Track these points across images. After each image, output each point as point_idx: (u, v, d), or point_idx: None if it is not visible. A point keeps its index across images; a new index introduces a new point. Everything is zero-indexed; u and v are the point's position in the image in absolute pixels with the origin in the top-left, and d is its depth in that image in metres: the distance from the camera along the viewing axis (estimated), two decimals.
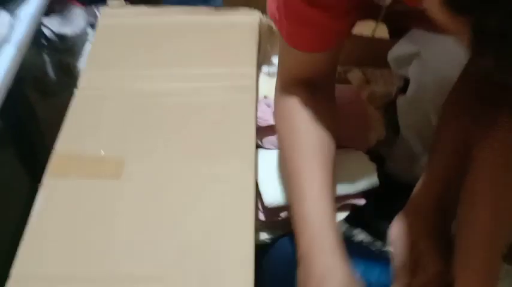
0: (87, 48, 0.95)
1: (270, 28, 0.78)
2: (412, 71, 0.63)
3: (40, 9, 0.67)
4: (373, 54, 0.81)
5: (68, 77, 1.00)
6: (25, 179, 0.97)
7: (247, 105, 0.64)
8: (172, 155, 0.58)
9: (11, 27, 0.62)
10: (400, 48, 0.67)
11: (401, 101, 0.66)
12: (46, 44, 0.94)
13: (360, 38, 0.78)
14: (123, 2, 0.74)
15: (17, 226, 0.53)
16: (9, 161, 1.02)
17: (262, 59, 0.82)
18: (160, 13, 0.74)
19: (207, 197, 0.54)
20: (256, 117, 0.64)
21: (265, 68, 0.82)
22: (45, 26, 0.91)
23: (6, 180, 1.03)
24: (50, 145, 0.58)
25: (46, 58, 0.96)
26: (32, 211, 0.52)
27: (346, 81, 0.78)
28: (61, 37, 0.93)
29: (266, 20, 0.77)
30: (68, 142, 0.59)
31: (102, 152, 0.58)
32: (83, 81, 0.66)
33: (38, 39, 0.92)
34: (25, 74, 1.01)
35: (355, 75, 0.79)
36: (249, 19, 0.75)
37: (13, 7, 0.66)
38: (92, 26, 0.97)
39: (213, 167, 0.57)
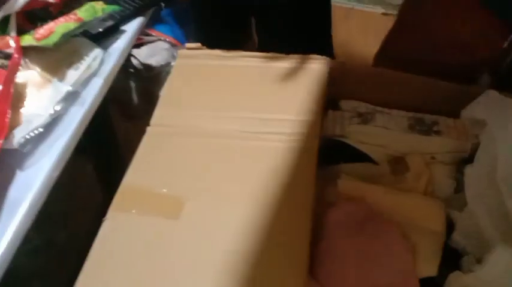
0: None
1: (342, 71, 0.78)
2: (482, 140, 0.59)
3: (128, 44, 0.72)
4: (450, 101, 0.77)
5: (150, 104, 1.07)
6: (98, 189, 1.05)
7: (307, 154, 0.64)
8: (229, 198, 0.59)
9: (102, 61, 0.67)
10: (472, 111, 0.63)
11: (468, 171, 0.62)
12: (133, 72, 1.02)
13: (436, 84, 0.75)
14: (200, 45, 0.77)
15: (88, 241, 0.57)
16: (88, 174, 1.11)
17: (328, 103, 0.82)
18: (234, 57, 0.76)
19: (260, 244, 0.54)
20: (316, 167, 0.64)
21: (331, 113, 0.82)
22: (133, 56, 0.99)
23: (82, 190, 1.12)
24: (124, 164, 0.62)
25: (132, 85, 1.05)
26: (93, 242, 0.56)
27: (405, 166, 0.74)
28: (147, 67, 1.00)
29: (338, 63, 0.78)
30: (135, 177, 0.62)
31: (165, 191, 0.61)
32: (155, 118, 0.70)
33: (126, 68, 1.01)
34: (112, 97, 1.11)
35: (414, 159, 0.75)
36: (319, 66, 0.75)
37: (105, 42, 0.71)
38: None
39: (268, 214, 0.57)
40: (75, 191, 1.17)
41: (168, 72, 1.06)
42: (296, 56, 0.76)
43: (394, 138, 0.80)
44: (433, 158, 0.77)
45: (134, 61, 1.00)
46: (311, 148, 0.65)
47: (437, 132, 0.79)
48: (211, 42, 0.85)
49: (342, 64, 0.76)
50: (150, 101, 1.10)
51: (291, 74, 0.75)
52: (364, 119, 0.82)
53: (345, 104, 0.84)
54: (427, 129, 0.80)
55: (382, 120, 0.82)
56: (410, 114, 0.82)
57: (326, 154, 0.69)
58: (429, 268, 0.62)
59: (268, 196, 0.59)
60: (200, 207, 0.58)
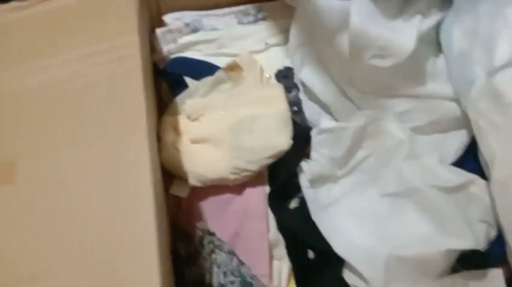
0: None
1: None
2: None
3: None
4: None
5: None
6: None
7: (133, 76, 0.60)
8: (63, 148, 0.54)
9: None
10: None
11: None
12: None
13: None
14: None
15: None
16: None
17: (152, 23, 0.79)
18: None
19: (103, 187, 0.51)
20: (146, 88, 0.61)
21: (158, 31, 0.78)
22: None
23: None
24: None
25: None
26: None
27: (239, 68, 0.73)
28: None
29: None
30: None
31: None
32: None
33: None
34: None
35: (244, 57, 0.74)
36: None
37: None
38: None
39: (107, 150, 0.53)
40: None
41: None
42: None
43: (227, 37, 0.79)
44: (266, 44, 0.78)
45: None
46: (134, 69, 0.61)
47: (264, 18, 0.80)
48: None
49: None
50: None
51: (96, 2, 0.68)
52: (193, 28, 0.80)
53: (168, 18, 0.80)
54: (255, 19, 0.80)
55: (210, 24, 0.80)
56: (235, 9, 0.81)
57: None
58: (284, 139, 0.64)
59: (101, 130, 0.55)
60: (34, 166, 0.53)
